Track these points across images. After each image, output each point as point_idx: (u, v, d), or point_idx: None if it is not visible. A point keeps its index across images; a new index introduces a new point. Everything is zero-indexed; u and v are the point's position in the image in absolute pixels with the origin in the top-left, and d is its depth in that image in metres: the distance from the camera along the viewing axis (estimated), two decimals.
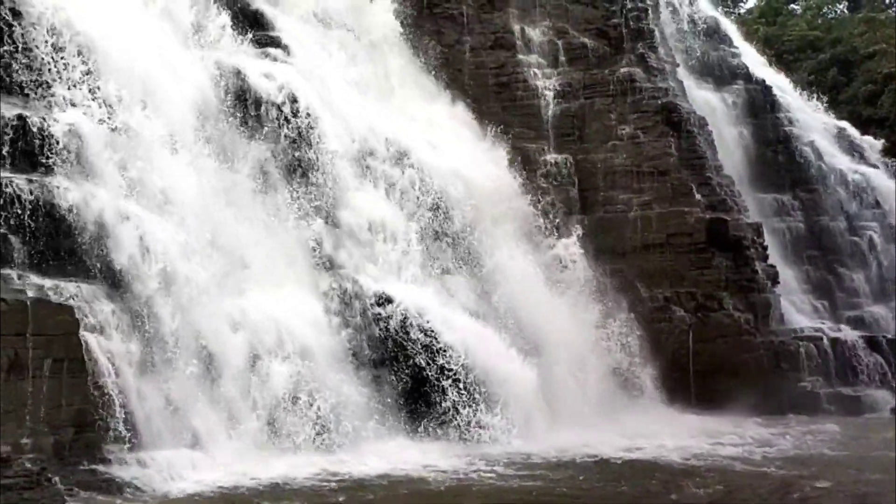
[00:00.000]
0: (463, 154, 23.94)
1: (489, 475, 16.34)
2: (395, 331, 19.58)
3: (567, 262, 24.92)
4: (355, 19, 25.76)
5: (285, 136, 21.07)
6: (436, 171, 22.64)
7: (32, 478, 13.50)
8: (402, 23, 26.56)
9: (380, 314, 19.71)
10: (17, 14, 17.62)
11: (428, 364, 19.35)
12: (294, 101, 21.37)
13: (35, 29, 17.74)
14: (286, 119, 21.16)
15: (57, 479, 13.70)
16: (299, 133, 21.18)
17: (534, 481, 15.89)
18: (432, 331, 19.55)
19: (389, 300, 19.84)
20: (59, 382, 14.62)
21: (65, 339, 14.77)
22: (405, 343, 19.51)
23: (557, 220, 25.44)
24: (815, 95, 38.55)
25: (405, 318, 19.60)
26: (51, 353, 14.58)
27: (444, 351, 19.37)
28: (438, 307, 20.19)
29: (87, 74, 17.87)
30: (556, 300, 23.65)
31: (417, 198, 22.27)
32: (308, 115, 21.38)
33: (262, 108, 21.08)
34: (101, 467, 14.61)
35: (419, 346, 19.45)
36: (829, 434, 21.17)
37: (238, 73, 21.19)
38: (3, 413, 14.04)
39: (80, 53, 18.00)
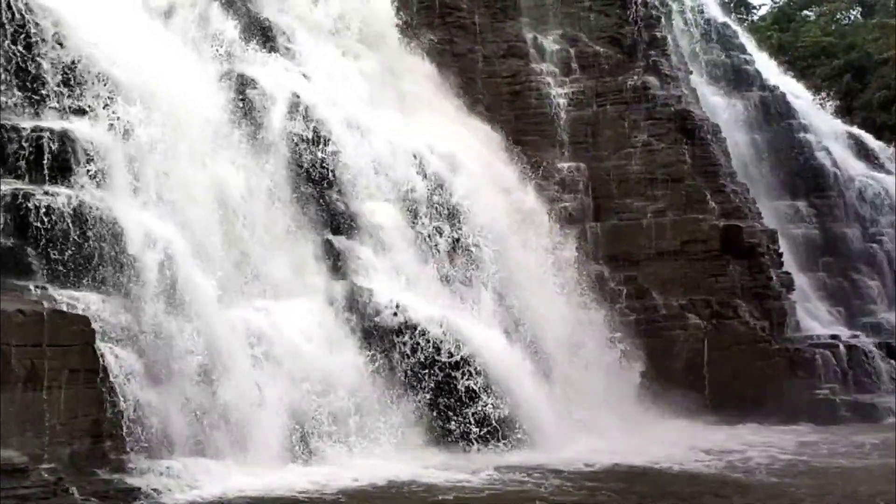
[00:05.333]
0: (477, 163, 23.93)
1: (516, 485, 16.21)
2: (411, 340, 19.56)
3: (582, 272, 24.85)
4: (366, 30, 25.80)
5: (297, 145, 21.12)
6: (450, 181, 22.62)
7: (49, 488, 13.59)
8: (413, 32, 26.61)
9: (394, 324, 19.71)
10: (34, 24, 17.74)
11: (445, 373, 19.35)
12: (307, 111, 21.43)
13: (49, 39, 17.85)
14: (299, 129, 21.21)
15: (74, 489, 13.79)
16: (312, 143, 21.24)
17: (561, 489, 15.79)
18: (448, 340, 19.53)
19: (404, 310, 19.81)
20: (75, 393, 14.66)
21: (81, 349, 14.81)
22: (421, 352, 19.50)
23: (572, 228, 25.40)
24: (829, 101, 38.47)
25: (420, 327, 19.60)
26: (67, 363, 14.61)
27: (462, 360, 19.36)
28: (454, 317, 20.16)
29: (102, 85, 17.95)
30: (571, 309, 23.61)
31: (432, 207, 22.24)
32: (321, 125, 21.45)
33: (275, 118, 21.14)
34: (118, 477, 14.61)
35: (436, 355, 19.44)
36: (856, 442, 20.98)
37: (251, 83, 21.27)
38: (20, 423, 14.09)
39: (95, 64, 18.08)
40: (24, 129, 16.70)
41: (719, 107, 33.02)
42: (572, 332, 22.92)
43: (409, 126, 23.83)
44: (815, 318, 29.95)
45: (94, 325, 15.23)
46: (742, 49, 35.86)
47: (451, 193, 22.46)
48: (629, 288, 25.69)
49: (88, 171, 16.94)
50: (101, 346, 15.25)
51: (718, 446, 20.05)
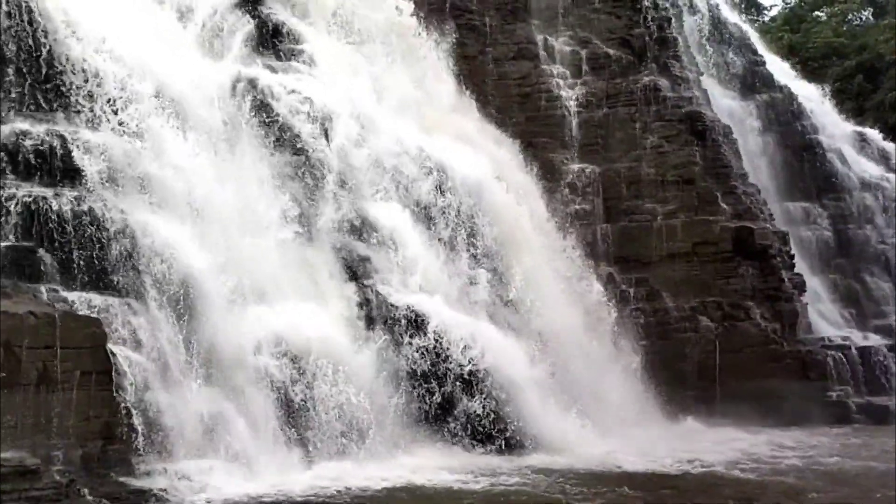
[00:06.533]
0: (488, 166, 23.85)
1: (539, 488, 16.17)
2: (423, 343, 19.54)
3: (591, 272, 24.80)
4: (377, 31, 25.79)
5: (310, 149, 21.12)
6: (462, 184, 22.57)
7: (62, 490, 13.67)
8: (424, 35, 26.58)
9: (406, 326, 19.69)
10: (43, 28, 17.81)
11: (457, 376, 19.33)
12: (318, 113, 21.43)
13: (59, 44, 17.91)
14: (311, 133, 21.22)
15: (86, 490, 13.88)
16: (325, 146, 21.24)
17: (597, 493, 15.73)
18: (460, 342, 19.52)
19: (416, 312, 19.80)
20: (87, 395, 14.75)
21: (93, 351, 14.89)
22: (433, 355, 19.48)
23: (582, 231, 25.36)
24: (840, 103, 38.35)
25: (432, 330, 19.58)
26: (79, 365, 14.70)
27: (474, 362, 19.34)
28: (465, 319, 20.15)
29: (113, 89, 18.00)
30: (581, 311, 23.56)
31: (444, 210, 22.18)
32: (333, 128, 21.45)
33: (287, 121, 21.14)
34: (129, 479, 14.69)
35: (448, 358, 19.42)
36: (871, 445, 20.83)
37: (263, 86, 21.28)
38: (33, 425, 14.18)
39: (105, 69, 18.13)
40: (32, 132, 16.79)
41: (730, 108, 32.93)
42: (582, 335, 22.81)
43: (420, 129, 23.72)
44: (826, 320, 29.88)
45: (106, 327, 15.28)
46: (753, 51, 35.78)
47: (464, 197, 22.31)
48: (640, 290, 25.65)
49: (98, 174, 17.00)
50: (114, 347, 15.30)
51: (740, 449, 19.94)
